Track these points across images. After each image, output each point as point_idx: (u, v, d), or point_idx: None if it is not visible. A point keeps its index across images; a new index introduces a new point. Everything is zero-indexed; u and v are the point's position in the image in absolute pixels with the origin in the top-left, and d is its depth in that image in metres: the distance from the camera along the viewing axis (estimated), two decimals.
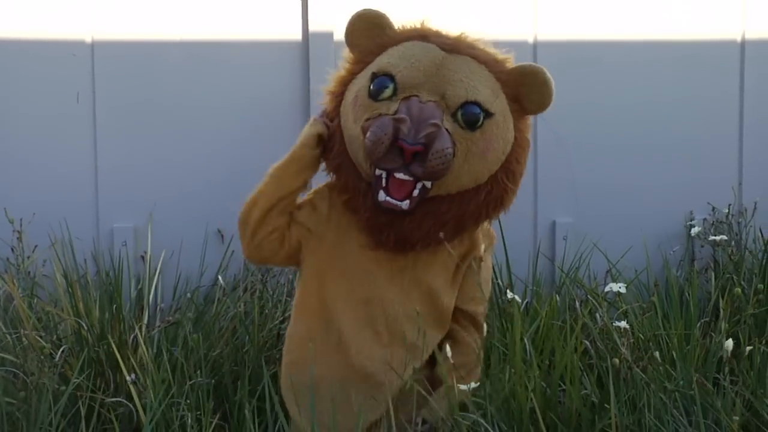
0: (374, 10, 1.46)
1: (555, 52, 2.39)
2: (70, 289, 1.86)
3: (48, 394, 1.41)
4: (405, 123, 1.31)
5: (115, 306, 1.77)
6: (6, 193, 2.23)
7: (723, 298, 1.87)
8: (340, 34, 2.36)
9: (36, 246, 2.17)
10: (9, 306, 1.91)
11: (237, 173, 2.27)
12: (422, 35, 1.43)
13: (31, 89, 2.25)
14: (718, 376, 1.55)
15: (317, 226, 1.46)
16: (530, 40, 2.40)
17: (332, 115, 1.47)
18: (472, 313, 1.50)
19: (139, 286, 2.15)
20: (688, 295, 1.92)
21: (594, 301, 1.80)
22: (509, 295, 1.83)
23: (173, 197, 2.30)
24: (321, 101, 1.52)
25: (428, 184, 1.35)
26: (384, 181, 1.35)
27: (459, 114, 1.35)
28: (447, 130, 1.34)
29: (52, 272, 2.00)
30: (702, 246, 2.41)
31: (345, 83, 1.46)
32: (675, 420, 1.34)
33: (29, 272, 2.13)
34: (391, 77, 1.37)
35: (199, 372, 1.63)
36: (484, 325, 1.51)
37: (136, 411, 1.47)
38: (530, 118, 1.47)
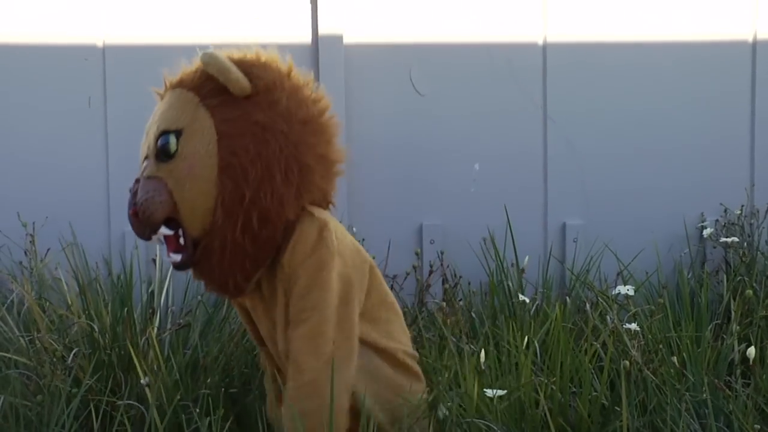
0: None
1: (565, 54, 2.39)
2: (82, 293, 1.87)
3: (61, 397, 1.42)
4: (133, 193, 1.35)
5: (126, 309, 1.78)
6: (19, 196, 2.25)
7: (735, 300, 1.86)
8: (349, 38, 2.38)
9: (48, 249, 2.19)
10: (22, 309, 1.92)
11: None
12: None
13: (43, 94, 2.27)
14: (729, 378, 1.54)
15: None
16: (540, 42, 2.40)
17: None
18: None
19: (150, 290, 2.16)
20: (700, 297, 1.91)
21: (604, 304, 1.79)
22: (520, 297, 1.83)
23: None
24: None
25: (182, 229, 1.33)
26: (164, 242, 1.37)
27: (159, 151, 1.34)
28: (152, 176, 1.33)
29: (65, 276, 2.02)
30: (714, 248, 2.40)
31: None
32: (686, 423, 1.33)
33: (42, 275, 2.15)
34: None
35: (209, 375, 1.63)
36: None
37: (148, 413, 1.47)
38: (241, 103, 1.33)
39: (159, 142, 1.33)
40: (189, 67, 1.40)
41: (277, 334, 1.39)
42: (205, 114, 1.33)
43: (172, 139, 1.32)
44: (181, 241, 1.33)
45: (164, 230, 1.33)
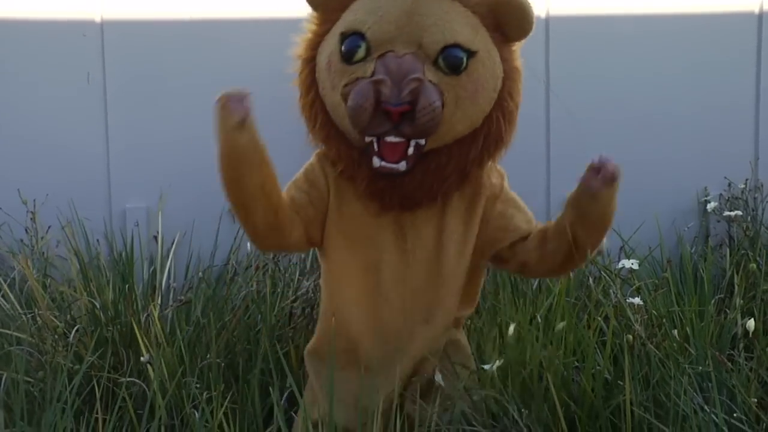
0: None
1: (567, 26, 2.36)
2: (83, 270, 1.87)
3: (63, 373, 1.42)
4: (385, 84, 1.24)
5: (127, 286, 1.78)
6: (19, 174, 2.24)
7: (738, 274, 1.86)
8: None
9: (49, 227, 2.18)
10: (24, 286, 1.93)
11: None
12: None
13: (41, 70, 2.25)
14: (732, 352, 1.54)
15: (320, 202, 1.40)
16: (542, 15, 2.37)
17: (307, 84, 1.39)
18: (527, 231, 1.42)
19: (152, 267, 2.16)
20: (703, 271, 1.91)
21: (607, 278, 1.79)
22: None
23: (185, 177, 2.29)
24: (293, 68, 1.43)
25: (422, 141, 1.29)
26: (376, 146, 1.29)
27: (440, 60, 1.28)
28: (431, 81, 1.27)
29: (66, 253, 2.02)
30: (717, 222, 2.39)
31: (314, 46, 1.38)
32: (690, 396, 1.33)
33: (43, 253, 2.15)
34: (362, 35, 1.29)
35: (213, 351, 1.64)
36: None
37: (149, 390, 1.48)
38: (516, 46, 1.37)
39: (449, 52, 1.27)
40: None
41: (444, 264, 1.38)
42: (494, 49, 1.33)
43: (465, 58, 1.28)
44: (410, 150, 1.29)
45: (393, 138, 1.27)
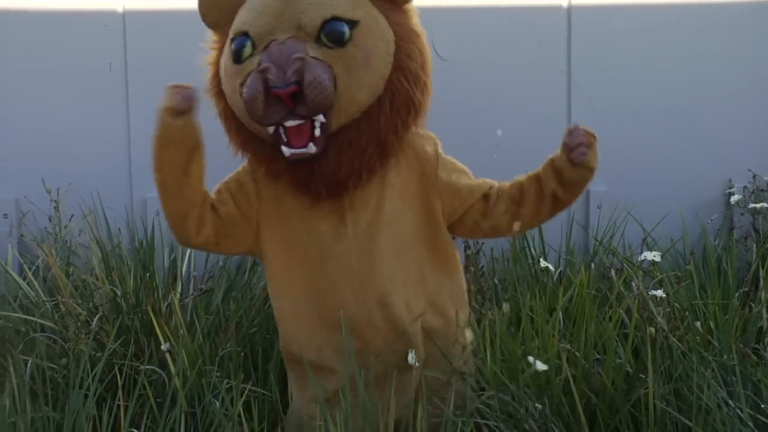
0: None
1: (590, 16, 2.33)
2: (104, 258, 1.89)
3: (86, 361, 1.43)
4: (269, 71, 1.26)
5: (148, 274, 1.79)
6: (42, 163, 2.26)
7: (763, 267, 1.83)
8: None
9: (72, 215, 2.20)
10: (48, 274, 1.95)
11: None
12: None
13: (63, 60, 2.27)
14: (757, 346, 1.52)
15: (248, 205, 1.41)
16: (564, 4, 2.35)
17: (217, 94, 1.43)
18: (489, 186, 1.46)
19: (173, 256, 2.17)
20: (726, 264, 1.88)
21: (629, 270, 1.77)
22: (542, 263, 1.81)
23: (206, 165, 2.30)
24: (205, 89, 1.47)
25: (322, 118, 1.29)
26: (283, 135, 1.30)
27: (323, 36, 1.29)
28: (315, 57, 1.27)
29: (88, 241, 2.03)
30: (741, 215, 2.35)
31: (217, 61, 1.43)
32: (713, 390, 1.32)
33: (66, 241, 2.17)
34: (246, 34, 1.33)
35: (233, 340, 1.64)
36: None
37: (170, 379, 1.49)
38: (408, 6, 1.39)
39: (329, 26, 1.29)
40: None
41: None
42: (379, 14, 1.34)
43: (347, 29, 1.30)
44: (317, 132, 1.30)
45: (293, 121, 1.28)
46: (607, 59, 2.36)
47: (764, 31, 2.40)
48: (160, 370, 1.55)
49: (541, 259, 1.83)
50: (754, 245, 2.15)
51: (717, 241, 2.29)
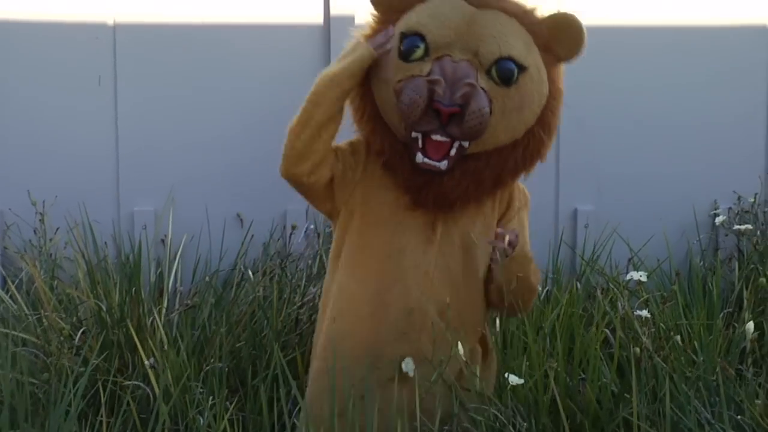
0: None
1: None
2: (90, 272, 1.87)
3: (68, 376, 1.42)
4: (440, 84, 1.30)
5: (134, 289, 1.77)
6: (29, 175, 2.25)
7: (747, 288, 1.84)
8: (361, 18, 2.34)
9: (58, 228, 2.19)
10: (31, 287, 1.93)
11: (256, 158, 2.27)
12: None
13: (53, 72, 2.26)
14: (740, 367, 1.53)
15: (354, 169, 1.43)
16: None
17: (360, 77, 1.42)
18: None
19: (159, 270, 2.16)
20: (711, 284, 1.89)
21: (615, 290, 1.78)
22: None
23: (193, 181, 2.30)
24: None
25: (465, 143, 1.34)
26: (421, 142, 1.34)
27: (493, 71, 1.34)
28: (482, 88, 1.32)
29: (73, 254, 2.02)
30: (726, 235, 2.37)
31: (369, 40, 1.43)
32: (697, 410, 1.32)
33: (51, 254, 2.15)
34: (422, 37, 1.35)
35: (216, 356, 1.63)
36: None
37: (154, 394, 1.47)
38: (562, 67, 1.44)
39: (502, 64, 1.33)
40: None
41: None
42: (543, 68, 1.39)
43: (516, 72, 1.34)
44: (453, 152, 1.34)
45: (440, 137, 1.32)
46: (596, 80, 2.38)
47: (752, 56, 2.44)
48: (143, 386, 1.54)
49: None
50: (738, 266, 2.17)
51: (702, 262, 2.31)
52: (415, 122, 1.32)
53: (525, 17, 1.39)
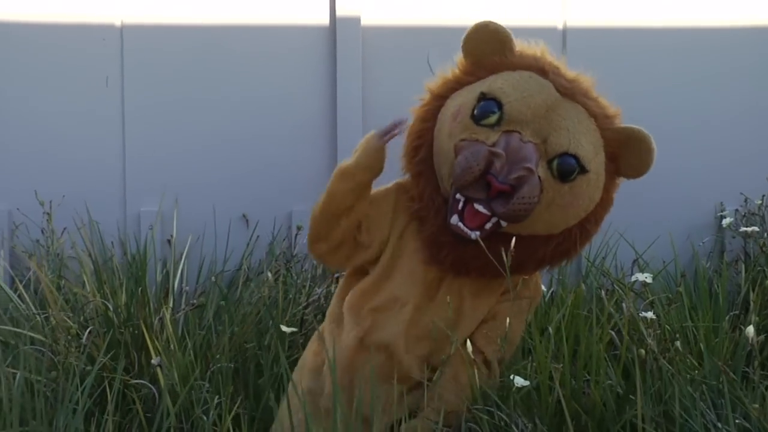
0: (502, 26, 1.41)
1: (585, 39, 2.36)
2: (97, 272, 1.88)
3: (75, 374, 1.43)
4: (500, 158, 1.28)
5: (140, 288, 1.78)
6: (36, 175, 2.26)
7: (753, 290, 1.84)
8: (366, 19, 2.36)
9: (65, 228, 2.20)
10: (39, 287, 1.94)
11: (263, 158, 2.29)
12: (541, 69, 1.38)
13: (60, 73, 2.27)
14: (747, 369, 1.52)
15: (385, 215, 1.44)
16: (559, 26, 2.37)
17: (426, 117, 1.42)
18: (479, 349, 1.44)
19: (165, 270, 2.17)
20: (717, 287, 1.89)
21: (620, 291, 1.78)
22: None
23: (199, 182, 2.31)
24: (420, 96, 1.46)
25: (503, 223, 1.33)
26: (460, 206, 1.33)
27: (555, 163, 1.32)
28: (539, 176, 1.31)
29: (80, 254, 2.03)
30: (733, 237, 2.37)
31: (451, 89, 1.42)
32: (702, 412, 1.32)
33: (58, 254, 2.16)
34: (500, 104, 1.33)
35: (222, 355, 1.64)
36: (495, 368, 1.44)
37: (160, 393, 1.48)
38: (619, 180, 1.43)
39: (565, 159, 1.33)
40: (599, 99, 1.42)
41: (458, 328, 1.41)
42: (603, 175, 1.38)
43: (576, 171, 1.34)
44: (488, 225, 1.33)
45: (481, 208, 1.31)
46: (601, 82, 2.37)
47: (757, 56, 2.43)
48: (150, 385, 1.55)
49: None
50: (744, 268, 2.16)
51: (708, 264, 2.30)
52: (464, 186, 1.30)
53: (604, 121, 1.38)
